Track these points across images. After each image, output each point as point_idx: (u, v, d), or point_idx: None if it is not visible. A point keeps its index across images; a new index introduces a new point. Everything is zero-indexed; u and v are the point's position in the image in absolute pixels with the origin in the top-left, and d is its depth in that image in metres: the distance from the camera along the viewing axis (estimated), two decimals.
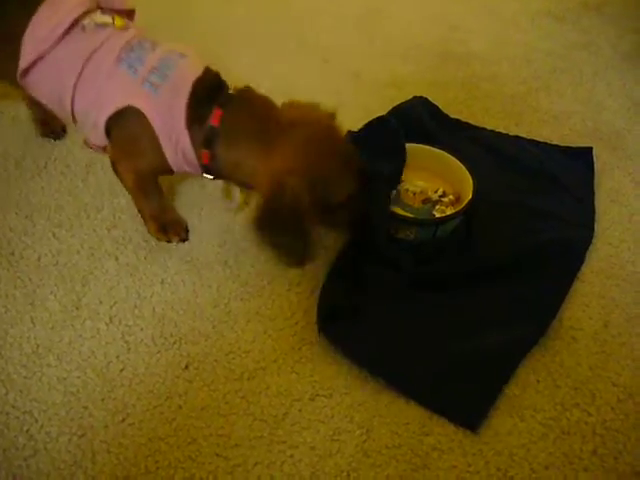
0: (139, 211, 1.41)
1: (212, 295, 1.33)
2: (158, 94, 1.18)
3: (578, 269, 1.39)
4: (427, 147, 1.51)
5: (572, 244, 1.42)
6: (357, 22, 2.24)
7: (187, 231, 1.44)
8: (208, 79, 1.22)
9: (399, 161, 1.42)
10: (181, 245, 1.42)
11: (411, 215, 1.40)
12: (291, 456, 1.10)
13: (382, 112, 1.62)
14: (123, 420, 1.14)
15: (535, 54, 2.11)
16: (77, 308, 1.30)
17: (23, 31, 1.18)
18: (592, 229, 1.47)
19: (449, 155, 1.49)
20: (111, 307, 1.30)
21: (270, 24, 2.19)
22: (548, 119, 1.83)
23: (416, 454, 1.11)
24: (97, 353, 1.23)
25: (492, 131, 1.74)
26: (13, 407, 1.14)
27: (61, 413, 1.14)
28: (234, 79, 1.90)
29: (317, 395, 1.18)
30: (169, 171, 1.28)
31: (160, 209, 1.41)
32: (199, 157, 1.22)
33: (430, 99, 1.79)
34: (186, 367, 1.21)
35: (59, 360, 1.21)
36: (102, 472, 1.07)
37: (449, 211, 1.42)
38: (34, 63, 1.20)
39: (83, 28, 1.20)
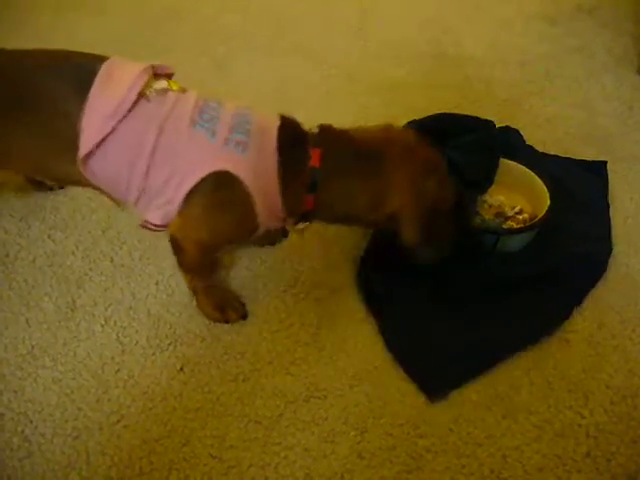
0: (193, 290, 1.30)
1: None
2: (245, 153, 1.10)
3: (596, 282, 1.39)
4: (514, 163, 1.51)
5: (592, 258, 1.42)
6: (351, 25, 2.24)
7: (244, 305, 1.32)
8: (289, 125, 1.16)
9: (492, 168, 1.44)
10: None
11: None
12: (285, 457, 1.10)
13: (377, 114, 1.63)
14: (118, 421, 1.14)
15: (529, 57, 2.11)
16: (72, 310, 1.30)
17: (73, 122, 1.06)
18: (610, 242, 1.47)
19: (533, 174, 1.48)
20: (106, 309, 1.30)
21: (266, 28, 2.19)
22: (542, 122, 1.84)
23: (410, 456, 1.11)
24: (92, 355, 1.23)
25: (518, 132, 1.73)
26: (8, 408, 1.14)
27: (56, 414, 1.14)
28: (230, 82, 1.91)
29: (311, 397, 1.18)
30: (244, 237, 1.25)
31: (218, 285, 1.34)
32: (297, 205, 1.16)
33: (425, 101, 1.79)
34: (181, 369, 1.21)
35: (54, 361, 1.21)
36: (96, 473, 1.07)
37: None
38: (98, 145, 1.07)
39: (147, 99, 1.09)
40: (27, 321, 1.27)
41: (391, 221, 1.16)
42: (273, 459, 1.10)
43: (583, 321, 1.31)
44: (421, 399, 1.18)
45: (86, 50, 1.81)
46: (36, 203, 1.50)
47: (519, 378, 1.22)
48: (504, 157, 1.51)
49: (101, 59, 1.12)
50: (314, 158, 1.12)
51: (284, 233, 1.43)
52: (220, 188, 1.11)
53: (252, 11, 2.26)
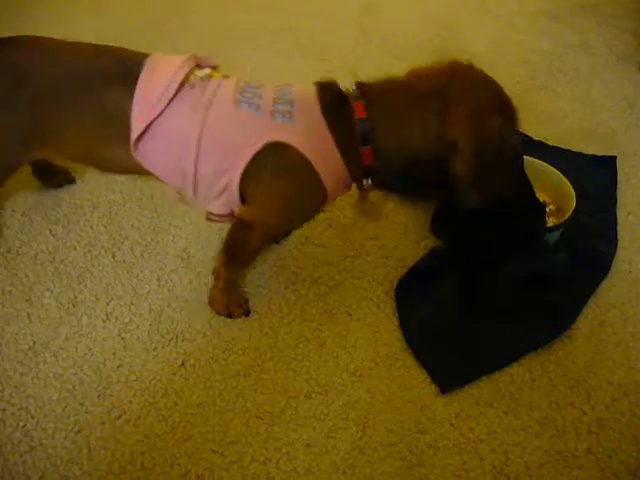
0: (216, 277, 1.29)
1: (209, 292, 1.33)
2: (293, 121, 1.10)
3: (602, 280, 1.39)
4: (532, 159, 1.48)
5: (598, 255, 1.42)
6: (354, 21, 2.24)
7: (247, 301, 1.32)
8: (326, 88, 1.16)
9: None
10: (178, 242, 1.42)
11: None
12: (287, 453, 1.10)
13: None
14: (119, 417, 1.14)
15: (531, 54, 2.11)
16: (73, 305, 1.30)
17: (124, 110, 1.11)
18: (616, 241, 1.47)
19: (547, 165, 1.48)
20: (107, 304, 1.30)
21: (268, 25, 2.19)
22: (544, 119, 1.83)
23: (411, 451, 1.11)
24: (93, 350, 1.23)
25: (520, 133, 1.70)
26: (9, 403, 1.14)
27: (57, 409, 1.14)
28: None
29: (313, 392, 1.18)
30: (316, 209, 1.24)
31: (237, 280, 1.33)
32: (357, 162, 1.13)
33: None
34: (182, 364, 1.22)
35: (55, 357, 1.21)
36: (98, 468, 1.07)
37: (551, 221, 1.42)
38: (146, 130, 1.10)
39: (191, 85, 1.12)
40: (29, 316, 1.27)
41: (451, 155, 1.10)
42: (274, 454, 1.10)
43: (584, 318, 1.31)
44: (422, 395, 1.19)
45: None
46: (37, 199, 1.51)
47: (521, 375, 1.22)
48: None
49: (144, 54, 1.17)
50: (358, 110, 1.11)
51: (286, 232, 1.43)
52: (278, 159, 1.11)
53: (255, 8, 2.26)
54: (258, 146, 1.09)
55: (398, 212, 1.50)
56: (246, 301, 1.31)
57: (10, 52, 1.15)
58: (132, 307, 1.30)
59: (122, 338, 1.25)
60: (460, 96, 1.10)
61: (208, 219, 1.21)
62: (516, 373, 1.22)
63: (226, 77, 1.17)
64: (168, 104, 1.10)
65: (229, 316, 1.29)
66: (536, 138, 1.73)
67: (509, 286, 1.33)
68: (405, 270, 1.38)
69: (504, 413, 1.17)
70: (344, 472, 1.08)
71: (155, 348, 1.24)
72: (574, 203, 1.38)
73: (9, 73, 1.13)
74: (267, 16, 2.23)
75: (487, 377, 1.21)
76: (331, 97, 1.14)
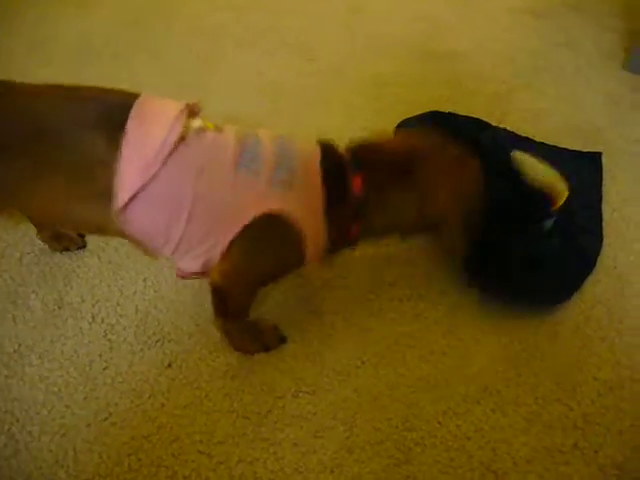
0: (226, 332, 1.23)
1: (195, 293, 1.33)
2: (292, 191, 1.04)
3: (587, 276, 1.40)
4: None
5: (584, 251, 1.43)
6: (340, 20, 2.24)
7: (276, 328, 1.28)
8: (329, 155, 1.11)
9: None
10: None
11: None
12: (274, 453, 1.10)
13: (365, 109, 1.63)
14: (106, 419, 1.13)
15: (517, 52, 2.12)
16: (59, 307, 1.29)
17: (106, 166, 0.97)
18: (601, 237, 1.48)
19: (536, 158, 1.48)
20: (93, 305, 1.30)
21: (253, 24, 2.18)
22: (529, 117, 1.84)
23: (399, 449, 1.11)
24: (79, 352, 1.22)
25: (506, 130, 1.73)
26: None
27: (43, 412, 1.13)
28: (220, 78, 1.91)
29: (300, 392, 1.18)
30: (288, 274, 1.19)
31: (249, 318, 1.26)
32: (344, 234, 1.13)
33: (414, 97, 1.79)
34: (169, 365, 1.21)
35: (41, 359, 1.21)
36: (84, 471, 1.07)
37: None
38: (135, 195, 0.98)
39: (186, 143, 1.01)
40: (14, 319, 1.27)
41: (434, 227, 1.15)
42: (262, 454, 1.10)
43: (570, 314, 1.32)
44: (409, 393, 1.19)
45: (71, 47, 1.80)
46: None
47: (507, 371, 1.22)
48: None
49: (128, 95, 1.05)
50: (356, 186, 1.09)
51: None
52: (270, 230, 1.06)
53: (240, 8, 2.25)
54: (252, 215, 1.03)
55: None
56: (276, 328, 1.27)
57: None
58: (118, 308, 1.29)
59: (108, 340, 1.24)
60: (435, 176, 1.11)
61: (179, 275, 1.15)
62: (502, 369, 1.23)
63: (219, 129, 1.07)
64: (164, 163, 0.98)
65: (267, 350, 1.25)
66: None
67: (509, 267, 1.34)
68: (391, 269, 1.38)
69: (491, 410, 1.17)
70: (332, 471, 1.08)
71: (141, 349, 1.23)
72: (566, 192, 1.38)
73: None
74: (252, 15, 2.22)
75: (473, 374, 1.22)
76: (333, 168, 1.09)
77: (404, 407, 1.17)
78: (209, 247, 1.06)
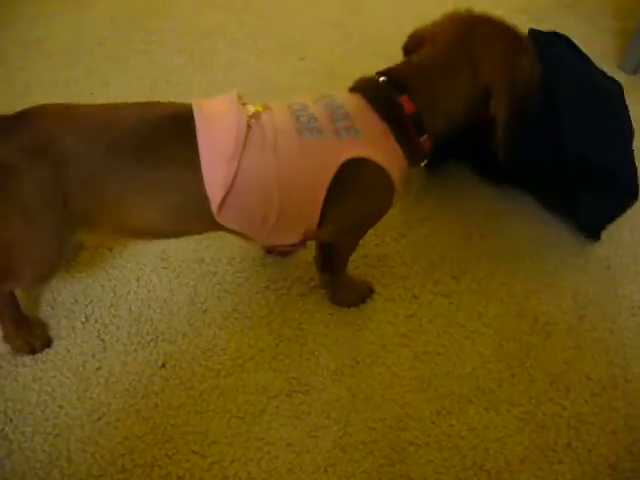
0: (333, 287, 1.32)
1: (189, 293, 1.33)
2: (359, 134, 1.07)
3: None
4: None
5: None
6: (334, 20, 2.23)
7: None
8: (370, 91, 1.13)
9: None
10: (157, 243, 1.40)
11: None
12: (268, 452, 1.10)
13: None
14: (99, 419, 1.13)
15: None
16: (52, 307, 1.29)
17: (190, 171, 1.00)
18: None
19: None
20: (86, 305, 1.29)
21: (247, 23, 2.18)
22: None
23: (392, 449, 1.11)
24: (73, 352, 1.22)
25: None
26: None
27: (36, 412, 1.13)
28: (213, 77, 1.90)
29: (294, 392, 1.18)
30: (385, 214, 1.21)
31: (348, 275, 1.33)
32: (418, 150, 1.13)
33: None
34: (163, 365, 1.21)
35: (34, 360, 1.20)
36: (78, 471, 1.07)
37: None
38: (229, 189, 1.01)
39: (249, 127, 1.03)
40: None
41: (485, 98, 1.13)
42: (256, 454, 1.10)
43: (564, 313, 1.32)
44: (403, 393, 1.19)
45: (66, 46, 1.80)
46: None
47: (501, 371, 1.23)
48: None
49: (183, 104, 1.06)
50: (407, 106, 1.10)
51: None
52: (357, 175, 1.08)
53: (234, 7, 2.25)
54: (334, 169, 1.05)
55: None
56: (365, 282, 1.36)
57: (36, 130, 0.98)
58: (111, 308, 1.29)
59: (101, 340, 1.24)
60: (483, 43, 1.13)
61: (279, 253, 1.24)
62: (496, 369, 1.23)
63: (268, 108, 1.09)
64: (241, 155, 1.01)
65: (363, 300, 1.33)
66: None
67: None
68: (384, 269, 1.39)
69: (484, 409, 1.17)
70: (325, 471, 1.08)
71: (135, 349, 1.23)
72: None
73: (41, 156, 0.96)
74: (246, 15, 2.22)
75: (467, 374, 1.22)
76: (379, 99, 1.11)
77: (398, 407, 1.17)
78: (305, 217, 1.10)
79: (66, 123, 0.99)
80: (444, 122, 1.14)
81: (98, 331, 1.26)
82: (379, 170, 1.08)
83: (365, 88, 1.14)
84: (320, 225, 1.12)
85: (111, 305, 1.30)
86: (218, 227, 1.08)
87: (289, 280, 1.36)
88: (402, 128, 1.10)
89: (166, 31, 2.09)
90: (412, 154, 1.13)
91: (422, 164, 1.20)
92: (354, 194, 1.10)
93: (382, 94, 1.11)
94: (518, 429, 1.15)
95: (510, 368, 1.23)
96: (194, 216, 1.06)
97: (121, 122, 1.01)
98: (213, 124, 1.02)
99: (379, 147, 1.08)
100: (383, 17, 2.26)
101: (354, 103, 1.11)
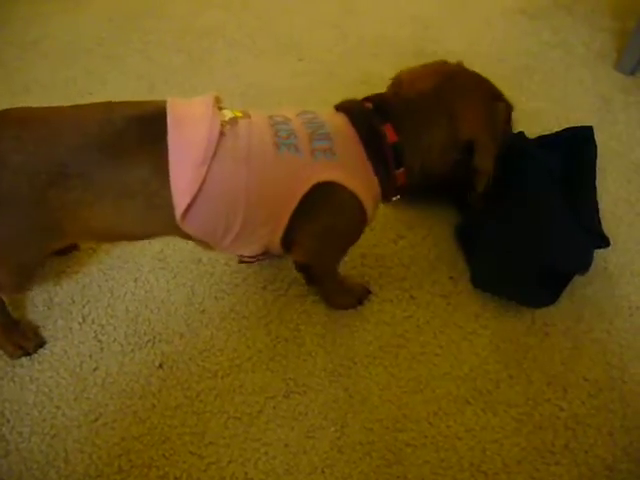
0: (327, 294, 1.32)
1: (186, 293, 1.33)
2: (335, 157, 1.06)
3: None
4: None
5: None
6: (331, 20, 2.23)
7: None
8: (355, 113, 1.12)
9: None
10: (154, 243, 1.41)
11: None
12: (265, 453, 1.10)
13: None
14: (96, 419, 1.13)
15: (508, 53, 2.12)
16: (49, 308, 1.29)
17: (159, 175, 0.98)
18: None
19: None
20: (84, 306, 1.29)
21: (245, 23, 2.18)
22: (520, 117, 1.82)
23: (390, 450, 1.11)
24: (70, 353, 1.22)
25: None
26: None
27: (33, 413, 1.13)
28: (211, 77, 1.90)
29: (291, 392, 1.18)
30: (359, 236, 1.20)
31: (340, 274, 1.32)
32: (392, 182, 1.13)
33: None
34: (160, 366, 1.21)
35: (31, 360, 1.21)
36: (75, 472, 1.07)
37: None
38: (195, 196, 0.99)
39: (223, 134, 1.01)
40: None
41: (469, 153, 1.13)
42: (253, 455, 1.10)
43: (561, 314, 1.32)
44: (400, 394, 1.19)
45: (63, 46, 1.80)
46: None
47: (498, 372, 1.23)
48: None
49: (155, 103, 1.03)
50: (389, 134, 1.10)
51: None
52: (326, 199, 1.07)
53: (232, 7, 2.25)
54: (304, 189, 1.05)
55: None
56: (360, 283, 1.36)
57: None
58: (109, 309, 1.29)
59: (98, 340, 1.24)
60: (462, 96, 1.13)
61: (241, 261, 1.21)
62: (493, 370, 1.23)
63: (247, 115, 1.08)
64: (210, 163, 0.99)
65: (360, 302, 1.33)
66: None
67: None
68: (382, 269, 1.39)
69: (482, 410, 1.17)
70: (322, 472, 1.08)
71: (132, 350, 1.23)
72: None
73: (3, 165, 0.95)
74: (244, 15, 2.22)
75: (464, 374, 1.22)
76: (363, 123, 1.11)
77: (395, 408, 1.17)
78: (269, 230, 1.09)
79: (25, 129, 0.97)
80: (421, 162, 1.14)
81: (95, 332, 1.26)
82: (350, 195, 1.07)
83: (351, 110, 1.13)
84: (291, 246, 1.13)
85: (108, 306, 1.30)
86: (178, 233, 1.06)
87: (286, 281, 1.36)
88: (380, 156, 1.10)
89: (164, 31, 2.09)
90: (386, 185, 1.13)
91: (394, 199, 1.19)
92: (322, 216, 1.10)
93: (366, 119, 1.11)
94: (515, 430, 1.15)
95: (507, 369, 1.23)
96: (157, 221, 1.04)
97: (85, 124, 0.99)
98: (185, 127, 1.00)
99: (354, 173, 1.08)
100: (380, 18, 2.27)
101: (337, 124, 1.11)
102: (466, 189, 1.23)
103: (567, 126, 1.73)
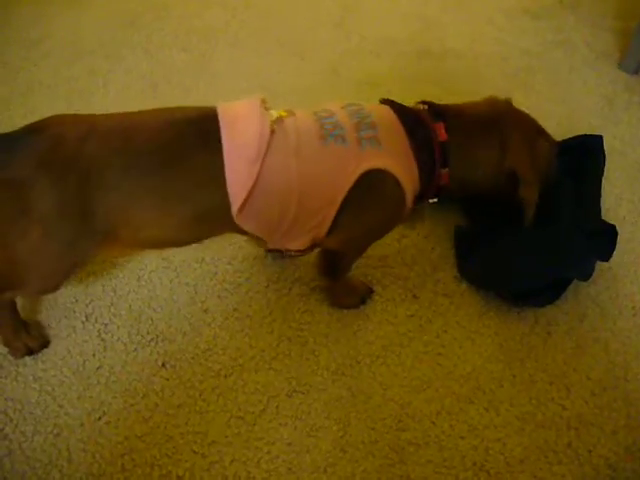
0: (336, 291, 1.32)
1: (189, 293, 1.33)
2: (381, 146, 1.09)
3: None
4: None
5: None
6: (334, 20, 2.23)
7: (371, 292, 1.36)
8: (400, 108, 1.16)
9: None
10: None
11: None
12: (268, 452, 1.10)
13: None
14: (99, 418, 1.13)
15: (511, 52, 2.11)
16: (52, 307, 1.29)
17: (215, 176, 1.02)
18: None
19: None
20: (87, 305, 1.29)
21: (248, 23, 2.18)
22: None
23: (392, 449, 1.11)
24: (73, 352, 1.22)
25: None
26: None
27: (36, 412, 1.13)
28: (214, 77, 1.90)
29: (294, 391, 1.18)
30: (394, 227, 1.25)
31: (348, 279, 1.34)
32: (434, 181, 1.16)
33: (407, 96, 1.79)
34: (163, 365, 1.21)
35: (34, 359, 1.21)
36: (78, 471, 1.07)
37: None
38: (250, 192, 1.03)
39: (272, 131, 1.05)
40: None
41: (510, 181, 1.18)
42: (256, 454, 1.10)
43: (564, 314, 1.32)
44: (403, 393, 1.19)
45: (66, 46, 1.80)
46: None
47: (501, 371, 1.23)
48: None
49: (207, 108, 1.08)
50: (440, 133, 1.13)
51: None
52: (372, 187, 1.10)
53: (234, 7, 2.25)
54: (353, 178, 1.07)
55: None
56: (364, 283, 1.36)
57: (55, 142, 0.98)
58: (112, 308, 1.29)
59: (102, 339, 1.24)
60: (512, 127, 1.18)
61: (288, 256, 1.24)
62: (496, 369, 1.23)
63: (292, 113, 1.11)
64: (263, 160, 1.03)
65: (363, 302, 1.33)
66: None
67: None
68: (385, 269, 1.39)
69: (485, 409, 1.17)
70: (325, 471, 1.08)
71: (135, 349, 1.23)
72: None
73: (62, 170, 0.97)
74: (247, 14, 2.22)
75: (467, 374, 1.22)
76: (410, 118, 1.14)
77: (398, 407, 1.17)
78: (318, 222, 1.12)
79: (85, 134, 0.99)
80: (464, 170, 1.18)
81: (98, 330, 1.26)
82: (396, 183, 1.10)
83: (397, 104, 1.16)
84: (330, 232, 1.14)
85: (111, 304, 1.30)
86: (233, 229, 1.10)
87: (290, 280, 1.36)
88: (426, 150, 1.13)
89: (166, 30, 2.09)
90: (427, 180, 1.16)
91: (430, 201, 1.23)
92: (369, 204, 1.12)
93: (415, 116, 1.15)
94: (518, 429, 1.15)
95: (510, 368, 1.23)
96: (212, 221, 1.09)
97: (142, 130, 1.02)
98: (237, 128, 1.04)
99: (398, 161, 1.10)
100: (382, 16, 2.27)
101: (382, 113, 1.13)
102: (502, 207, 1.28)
103: (570, 125, 1.73)
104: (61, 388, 1.17)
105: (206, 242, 1.39)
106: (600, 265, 1.40)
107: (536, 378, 1.22)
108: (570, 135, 1.68)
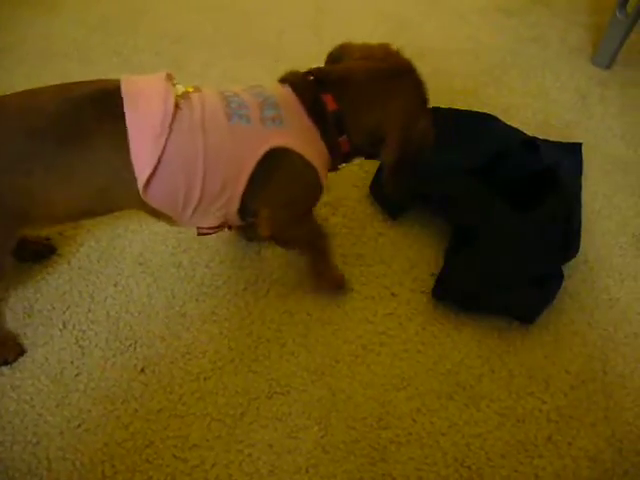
0: (318, 272, 1.33)
1: (167, 297, 1.32)
2: (284, 124, 1.10)
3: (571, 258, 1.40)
4: None
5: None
6: (308, 21, 2.24)
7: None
8: (298, 83, 1.15)
9: None
10: (134, 247, 1.40)
11: None
12: (249, 455, 1.10)
13: None
14: (79, 426, 1.12)
15: (484, 49, 2.13)
16: (29, 315, 1.27)
17: (119, 151, 1.00)
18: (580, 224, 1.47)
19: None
20: (64, 312, 1.28)
21: (222, 25, 2.17)
22: (498, 112, 1.84)
23: (374, 448, 1.11)
24: (51, 359, 1.21)
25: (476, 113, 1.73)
26: None
27: (15, 421, 1.12)
28: (187, 78, 1.89)
29: (274, 393, 1.18)
30: (317, 202, 1.24)
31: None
32: (337, 149, 1.17)
33: None
34: (142, 370, 1.20)
35: (12, 368, 1.19)
36: (58, 479, 1.06)
37: None
38: (155, 167, 1.01)
39: (178, 106, 1.04)
40: None
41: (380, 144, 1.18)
42: (237, 457, 1.10)
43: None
44: (384, 391, 1.19)
45: (40, 50, 1.78)
46: None
47: (480, 366, 1.23)
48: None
49: (107, 82, 1.05)
50: (329, 103, 1.13)
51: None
52: (279, 164, 1.10)
53: (208, 9, 2.24)
54: (257, 157, 1.08)
55: (355, 209, 1.51)
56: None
57: None
58: (89, 314, 1.28)
59: (80, 346, 1.23)
60: (396, 97, 1.16)
61: (200, 234, 1.20)
62: (475, 365, 1.23)
63: (198, 89, 1.11)
64: (168, 134, 1.02)
65: (339, 286, 1.35)
66: None
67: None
68: (362, 267, 1.39)
69: (465, 405, 1.18)
70: (307, 471, 1.08)
71: (114, 355, 1.22)
72: None
73: None
74: (221, 17, 2.21)
75: (446, 370, 1.23)
76: (306, 92, 1.14)
77: (378, 405, 1.17)
78: (227, 199, 1.11)
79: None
80: (357, 136, 1.17)
81: (76, 337, 1.25)
82: (300, 160, 1.11)
83: (294, 82, 1.16)
84: (258, 225, 1.18)
85: (89, 311, 1.29)
86: (142, 207, 1.09)
87: (267, 282, 1.36)
88: (325, 124, 1.14)
89: (140, 34, 2.08)
90: (333, 151, 1.17)
91: (339, 167, 1.24)
92: (275, 181, 1.12)
93: (309, 90, 1.15)
94: (498, 424, 1.16)
95: (489, 363, 1.24)
96: (121, 195, 1.06)
97: (41, 107, 1.00)
98: (141, 102, 1.02)
99: (302, 138, 1.12)
100: (354, 17, 2.27)
101: (283, 94, 1.14)
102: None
103: (544, 120, 1.74)
104: (39, 396, 1.16)
105: (183, 246, 1.39)
106: (577, 259, 1.41)
107: (515, 373, 1.23)
108: (544, 130, 1.71)
